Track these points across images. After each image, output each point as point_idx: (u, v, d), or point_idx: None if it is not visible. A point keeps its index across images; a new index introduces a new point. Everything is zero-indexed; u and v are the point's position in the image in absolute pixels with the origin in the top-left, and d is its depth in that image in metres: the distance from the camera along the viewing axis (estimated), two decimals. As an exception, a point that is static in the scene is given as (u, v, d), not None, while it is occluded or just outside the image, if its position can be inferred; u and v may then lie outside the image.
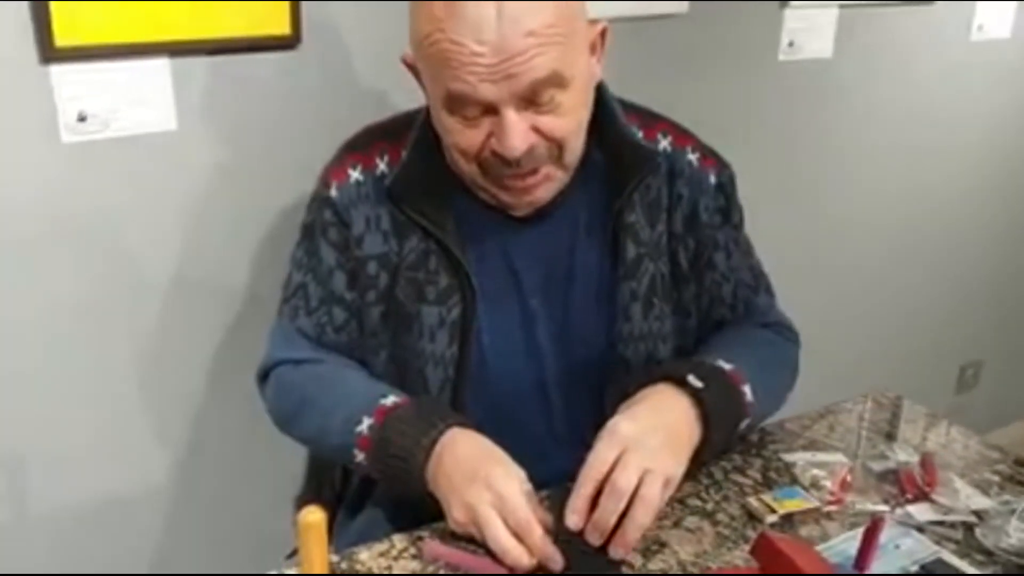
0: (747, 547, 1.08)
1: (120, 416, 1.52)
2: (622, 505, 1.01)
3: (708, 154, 1.29)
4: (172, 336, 1.52)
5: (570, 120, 1.10)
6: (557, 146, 1.10)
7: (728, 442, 1.19)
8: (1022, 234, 2.79)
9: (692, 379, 1.11)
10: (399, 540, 1.09)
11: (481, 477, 1.02)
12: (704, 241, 1.27)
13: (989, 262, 2.76)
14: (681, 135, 1.29)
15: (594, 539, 1.02)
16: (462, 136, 1.09)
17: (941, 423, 1.39)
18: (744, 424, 1.19)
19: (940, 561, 1.06)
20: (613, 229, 1.22)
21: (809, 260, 2.25)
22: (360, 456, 1.12)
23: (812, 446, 1.31)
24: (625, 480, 1.01)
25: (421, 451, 1.06)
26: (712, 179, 1.27)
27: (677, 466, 1.07)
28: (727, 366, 1.16)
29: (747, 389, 1.17)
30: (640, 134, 1.24)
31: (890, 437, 1.35)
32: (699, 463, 1.14)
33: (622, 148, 1.21)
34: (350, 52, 1.52)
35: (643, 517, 1.01)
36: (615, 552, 1.02)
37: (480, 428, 1.11)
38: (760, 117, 2.08)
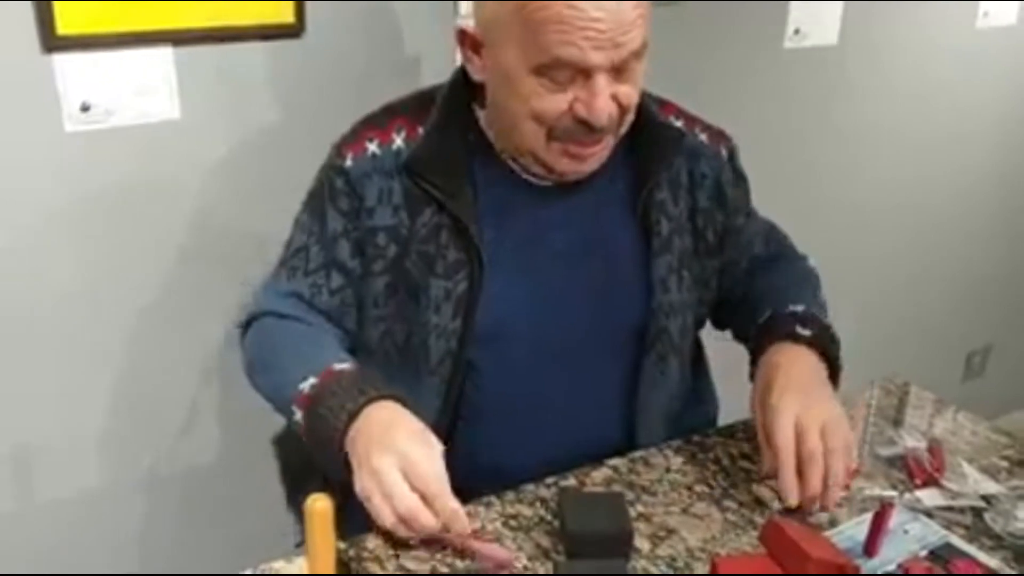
0: (756, 533, 1.07)
1: (122, 406, 1.51)
2: (822, 466, 1.07)
3: (713, 132, 1.32)
4: (174, 328, 1.51)
5: (636, 88, 1.13)
6: (621, 115, 1.13)
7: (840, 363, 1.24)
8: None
9: (799, 329, 1.21)
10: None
11: (388, 443, 1.02)
12: (732, 213, 1.32)
13: (996, 249, 2.75)
14: (688, 118, 1.31)
15: (814, 508, 1.09)
16: (545, 100, 1.09)
17: (948, 409, 1.39)
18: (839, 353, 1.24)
19: (949, 546, 1.05)
20: (644, 207, 1.24)
21: (815, 247, 2.21)
22: (297, 414, 1.12)
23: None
24: (814, 444, 1.08)
25: (344, 414, 1.05)
26: (724, 153, 1.31)
27: (835, 403, 1.15)
28: (807, 310, 1.25)
29: (826, 320, 1.26)
30: (661, 115, 1.27)
31: (898, 423, 1.34)
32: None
33: (648, 127, 1.23)
34: (355, 41, 1.51)
35: (842, 467, 1.08)
36: (827, 509, 1.10)
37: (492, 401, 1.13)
38: (765, 104, 2.07)
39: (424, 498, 1.00)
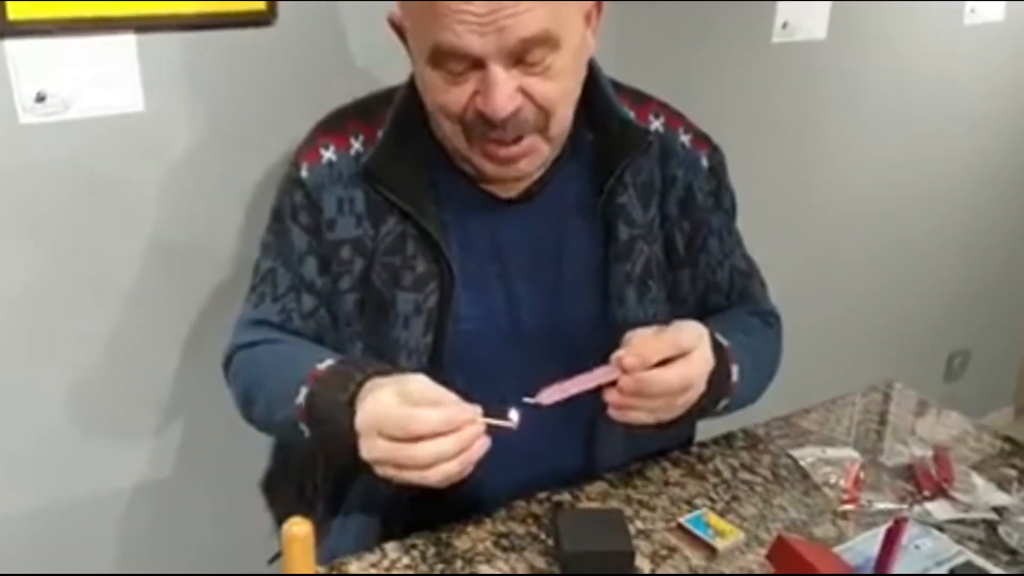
0: (762, 551, 1.01)
1: (85, 410, 1.43)
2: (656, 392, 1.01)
3: (699, 136, 1.24)
4: (138, 332, 1.43)
5: (559, 85, 1.03)
6: (544, 114, 1.04)
7: (702, 414, 1.11)
8: (1010, 220, 2.75)
9: (718, 336, 1.10)
10: (392, 550, 1.02)
11: (373, 427, 0.94)
12: (699, 225, 1.22)
13: (977, 249, 2.72)
14: (672, 116, 1.24)
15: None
16: (445, 94, 1.03)
17: (951, 415, 1.34)
18: (722, 404, 1.13)
19: (969, 564, 1.00)
20: (604, 211, 1.15)
21: (798, 245, 2.20)
22: (306, 430, 1.04)
23: (820, 441, 1.26)
24: (672, 376, 1.01)
25: (341, 409, 0.98)
26: (704, 162, 1.22)
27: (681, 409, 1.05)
28: (724, 342, 1.11)
29: (735, 370, 1.12)
30: (632, 114, 1.18)
31: (900, 431, 1.29)
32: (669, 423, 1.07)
33: (612, 127, 1.16)
34: (328, 29, 1.44)
35: (654, 415, 1.02)
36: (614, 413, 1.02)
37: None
38: (753, 99, 2.02)
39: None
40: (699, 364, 1.03)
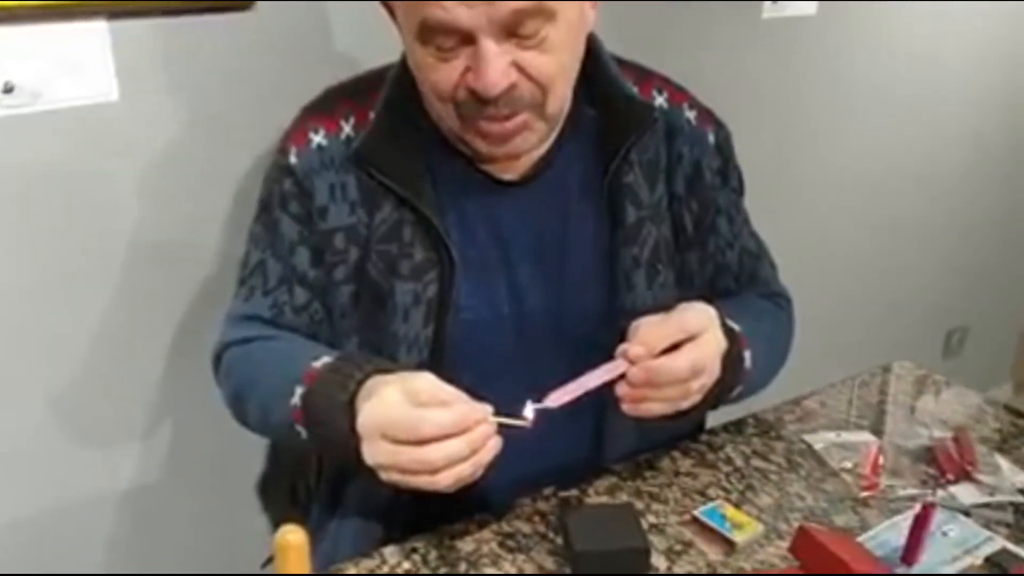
0: (783, 543, 0.97)
1: (68, 414, 1.37)
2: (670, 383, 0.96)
3: (704, 112, 1.20)
4: (116, 332, 1.37)
5: (556, 59, 0.98)
6: (540, 90, 0.98)
7: (718, 401, 1.07)
8: (1003, 195, 2.73)
9: (728, 321, 1.04)
10: (391, 554, 0.97)
11: (377, 430, 0.88)
12: (707, 204, 1.17)
13: (972, 225, 2.69)
14: (677, 91, 1.19)
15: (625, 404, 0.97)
16: (435, 72, 0.97)
17: (967, 394, 1.29)
18: (736, 391, 1.08)
19: (1005, 551, 0.95)
20: (609, 191, 1.10)
21: (789, 225, 2.15)
22: (303, 432, 0.99)
23: (834, 425, 1.21)
24: (683, 363, 0.96)
25: (341, 410, 0.92)
26: (711, 138, 1.18)
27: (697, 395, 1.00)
28: (735, 327, 1.06)
29: (748, 356, 1.07)
30: (635, 90, 1.13)
31: (916, 411, 1.24)
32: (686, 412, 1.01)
33: (616, 103, 1.11)
34: (309, 12, 1.38)
35: (669, 404, 0.97)
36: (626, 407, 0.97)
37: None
38: (743, 75, 1.98)
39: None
40: (709, 346, 0.98)
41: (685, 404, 0.98)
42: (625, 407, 0.97)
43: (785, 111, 2.11)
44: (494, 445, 0.89)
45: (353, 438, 0.90)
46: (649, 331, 0.96)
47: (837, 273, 2.37)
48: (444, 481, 0.87)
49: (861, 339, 2.41)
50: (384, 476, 0.90)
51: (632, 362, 0.95)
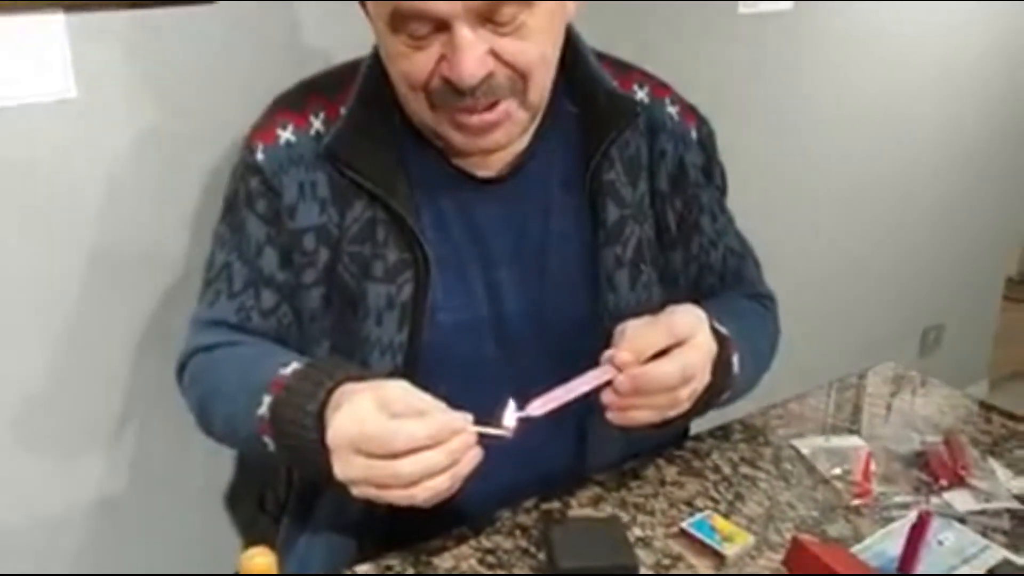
0: (775, 555, 0.93)
1: (27, 428, 1.32)
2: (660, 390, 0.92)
3: (686, 107, 1.16)
4: (83, 336, 1.32)
5: (535, 47, 0.94)
6: (520, 77, 0.94)
7: (706, 407, 1.03)
8: (978, 190, 2.72)
9: (716, 324, 1.00)
10: (365, 572, 0.92)
11: (349, 443, 0.83)
12: (690, 202, 1.14)
13: (946, 222, 2.68)
14: (658, 86, 1.16)
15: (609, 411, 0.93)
16: (408, 61, 0.93)
17: (955, 395, 1.26)
18: (724, 396, 1.05)
19: (1007, 562, 0.92)
20: (590, 189, 1.06)
21: (765, 223, 2.11)
22: (271, 444, 0.94)
23: (822, 429, 1.18)
24: (673, 370, 0.91)
25: (310, 422, 0.87)
26: (694, 134, 1.14)
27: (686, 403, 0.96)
28: (723, 330, 1.02)
29: (735, 360, 1.03)
30: (615, 83, 1.09)
31: (905, 415, 1.21)
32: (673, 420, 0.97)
33: (597, 98, 1.07)
34: (277, 4, 1.33)
35: (657, 412, 0.93)
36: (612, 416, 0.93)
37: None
38: (720, 70, 1.96)
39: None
40: (699, 351, 0.94)
41: (673, 412, 0.94)
42: (610, 415, 0.93)
43: (760, 106, 2.08)
44: (474, 456, 0.85)
45: (323, 452, 0.85)
46: (636, 335, 0.92)
47: (811, 270, 2.35)
48: (421, 495, 0.83)
49: (837, 338, 2.40)
50: (356, 491, 0.85)
51: (619, 368, 0.90)
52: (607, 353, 0.91)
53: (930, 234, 2.65)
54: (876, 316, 2.59)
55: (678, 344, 0.92)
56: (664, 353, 0.91)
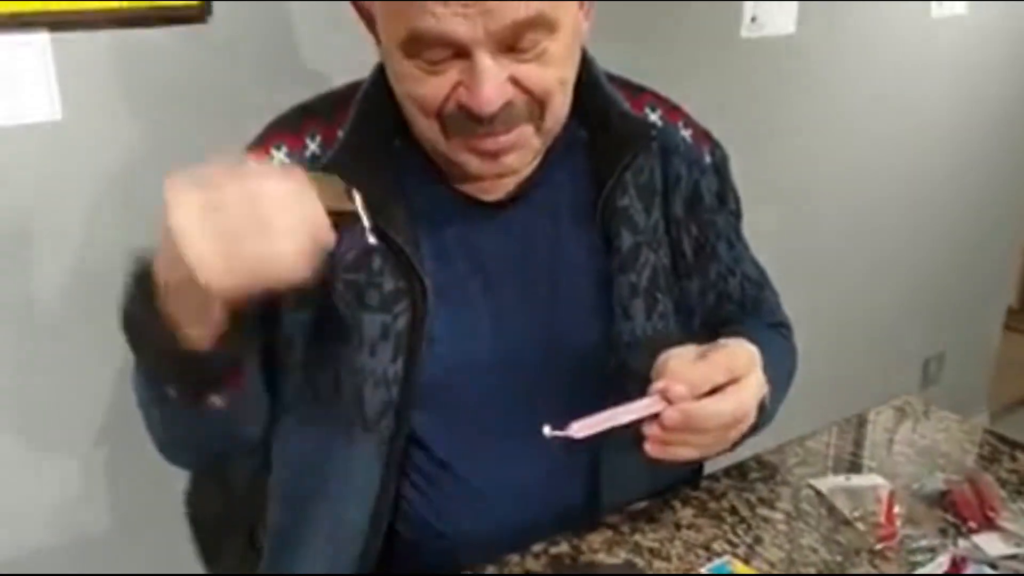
0: (801, 605, 0.88)
1: (12, 440, 1.29)
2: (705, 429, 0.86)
3: (699, 131, 1.12)
4: (64, 366, 1.28)
5: (555, 73, 0.90)
6: (538, 104, 0.90)
7: (734, 446, 0.97)
8: (979, 217, 2.70)
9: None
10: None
11: (187, 182, 0.75)
12: (706, 228, 1.09)
13: (946, 250, 2.66)
14: (671, 109, 1.11)
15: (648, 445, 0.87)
16: (422, 85, 0.88)
17: (978, 431, 1.22)
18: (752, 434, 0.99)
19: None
20: (603, 215, 1.02)
21: (767, 249, 2.09)
22: (137, 359, 0.93)
23: (842, 467, 1.13)
24: (720, 407, 0.86)
25: (137, 273, 0.86)
26: (708, 159, 1.10)
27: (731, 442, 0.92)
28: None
29: (767, 398, 0.97)
30: (627, 105, 1.04)
31: (927, 452, 1.16)
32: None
33: (609, 120, 1.03)
34: (266, 26, 1.31)
35: (701, 450, 0.88)
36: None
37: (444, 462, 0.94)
38: (722, 95, 1.94)
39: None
40: (751, 390, 0.89)
41: (715, 451, 0.89)
42: (650, 448, 0.87)
43: (762, 131, 2.06)
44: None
45: (154, 289, 0.82)
46: (689, 369, 0.86)
47: (811, 300, 2.31)
48: (284, 245, 0.71)
49: (838, 372, 2.36)
50: (197, 256, 0.72)
51: (670, 401, 0.85)
52: (658, 385, 0.86)
53: (928, 262, 2.63)
54: (875, 348, 2.56)
55: (734, 381, 0.87)
56: (717, 391, 0.86)
